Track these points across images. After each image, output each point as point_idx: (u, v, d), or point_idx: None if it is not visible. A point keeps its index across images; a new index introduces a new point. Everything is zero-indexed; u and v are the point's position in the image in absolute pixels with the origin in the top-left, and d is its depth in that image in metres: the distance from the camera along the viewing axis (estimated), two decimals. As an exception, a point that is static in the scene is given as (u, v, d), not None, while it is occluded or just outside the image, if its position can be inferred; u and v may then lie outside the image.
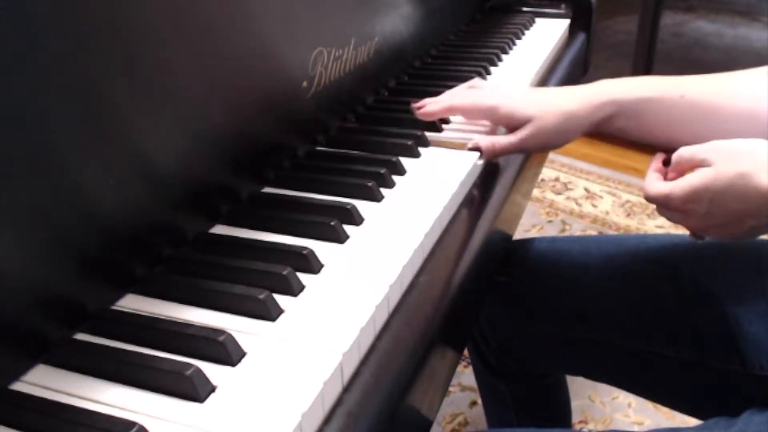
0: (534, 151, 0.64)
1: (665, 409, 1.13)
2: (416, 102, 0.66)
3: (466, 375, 1.22)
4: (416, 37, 0.82)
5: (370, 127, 0.67)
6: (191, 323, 0.39)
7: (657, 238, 0.70)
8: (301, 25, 0.57)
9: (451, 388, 1.19)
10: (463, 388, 1.19)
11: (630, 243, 0.69)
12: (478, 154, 0.61)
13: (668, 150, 0.60)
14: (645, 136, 0.60)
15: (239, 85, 0.51)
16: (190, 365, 0.35)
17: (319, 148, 0.62)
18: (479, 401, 1.14)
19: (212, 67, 0.47)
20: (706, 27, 3.11)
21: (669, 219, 0.54)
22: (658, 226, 1.68)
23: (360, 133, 0.66)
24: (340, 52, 0.63)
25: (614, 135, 0.61)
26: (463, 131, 0.67)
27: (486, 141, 0.61)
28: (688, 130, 0.58)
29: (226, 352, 0.36)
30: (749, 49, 2.81)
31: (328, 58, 0.61)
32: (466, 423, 1.12)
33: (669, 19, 3.05)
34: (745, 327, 0.61)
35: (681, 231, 0.61)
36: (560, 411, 0.86)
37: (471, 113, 0.64)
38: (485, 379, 0.85)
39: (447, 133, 0.67)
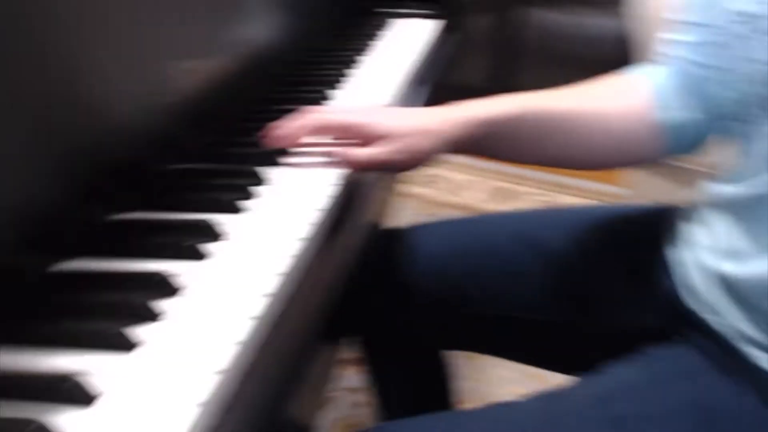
0: (387, 168, 0.60)
1: (542, 377, 1.20)
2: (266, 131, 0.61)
3: (349, 377, 1.22)
4: (283, 44, 0.81)
5: (231, 138, 0.65)
6: (37, 370, 0.36)
7: (516, 213, 0.76)
8: (158, 38, 0.55)
9: (335, 393, 1.19)
10: (347, 391, 1.20)
11: (494, 220, 0.74)
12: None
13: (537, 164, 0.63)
14: (503, 153, 0.62)
15: (90, 103, 0.47)
16: (31, 421, 0.32)
17: (176, 165, 0.60)
18: (365, 401, 1.15)
19: (55, 82, 0.44)
20: (562, 19, 3.31)
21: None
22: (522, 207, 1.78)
23: (220, 145, 0.64)
24: (201, 63, 0.61)
25: (481, 156, 0.62)
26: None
27: (339, 152, 0.58)
28: (546, 144, 0.61)
29: (79, 395, 0.34)
30: (596, 37, 3.03)
31: (189, 71, 0.59)
32: (353, 425, 1.13)
33: (528, 14, 3.22)
34: (598, 286, 0.67)
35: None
36: (447, 391, 0.89)
37: (323, 130, 0.60)
38: (374, 366, 0.87)
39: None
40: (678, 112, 0.60)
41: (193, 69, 0.61)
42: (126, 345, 0.38)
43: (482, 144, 0.59)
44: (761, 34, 0.48)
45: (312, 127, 0.59)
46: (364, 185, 0.63)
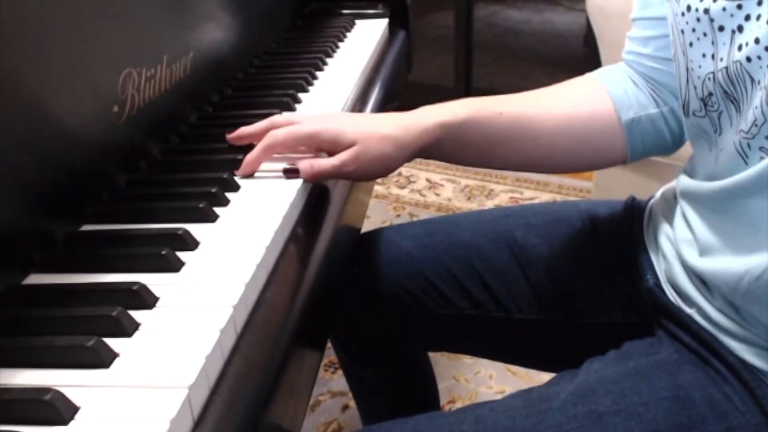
0: (355, 177, 0.59)
1: (523, 375, 1.21)
2: (230, 136, 0.61)
3: (334, 381, 1.22)
4: (235, 47, 0.80)
5: (197, 146, 0.64)
6: (12, 387, 0.36)
7: (490, 212, 0.75)
8: (104, 46, 0.54)
9: (320, 397, 1.19)
10: (333, 395, 1.19)
11: (468, 219, 0.74)
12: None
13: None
14: (470, 157, 0.62)
15: (38, 115, 0.46)
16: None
17: (141, 175, 0.59)
18: (351, 404, 1.15)
19: (4, 96, 0.43)
20: (515, 15, 3.35)
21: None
22: (495, 205, 1.79)
23: (186, 153, 0.63)
24: (153, 71, 0.60)
25: (442, 160, 0.62)
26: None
27: (305, 163, 0.56)
28: (510, 147, 0.61)
29: (55, 412, 0.33)
30: (554, 32, 3.07)
31: (140, 79, 0.58)
32: (340, 429, 1.13)
33: (483, 11, 3.25)
34: (574, 281, 0.67)
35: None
36: (428, 392, 0.89)
37: (291, 145, 0.59)
38: (352, 371, 0.86)
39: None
40: (633, 108, 0.61)
41: (156, 76, 0.61)
42: (103, 360, 0.37)
43: (442, 148, 0.59)
44: (710, 28, 0.48)
45: (279, 143, 0.58)
46: (332, 189, 0.62)
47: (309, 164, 0.56)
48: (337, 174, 0.57)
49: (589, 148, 0.62)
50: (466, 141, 0.60)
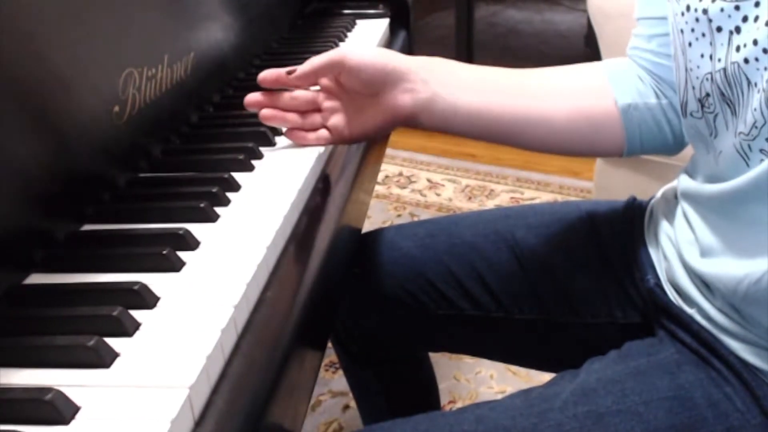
0: (349, 70, 0.60)
1: (524, 375, 1.21)
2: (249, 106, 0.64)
3: (335, 381, 1.22)
4: (237, 47, 0.80)
5: (198, 146, 0.64)
6: (12, 387, 0.36)
7: (491, 212, 0.75)
8: (105, 46, 0.54)
9: (321, 397, 1.19)
10: (334, 395, 1.20)
11: (469, 220, 0.74)
12: (313, 161, 0.60)
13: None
14: (468, 99, 0.60)
15: (39, 115, 0.47)
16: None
17: (142, 175, 0.59)
18: (352, 404, 1.15)
19: (4, 95, 0.43)
20: (516, 15, 3.35)
21: None
22: (496, 205, 1.79)
23: (187, 153, 0.63)
24: (154, 71, 0.60)
25: (446, 117, 0.60)
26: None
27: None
28: (505, 97, 0.61)
29: (56, 411, 0.33)
30: (555, 32, 3.07)
31: (141, 79, 0.58)
32: (341, 428, 1.13)
33: (483, 11, 3.25)
34: (575, 282, 0.67)
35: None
36: (428, 392, 0.89)
37: (301, 78, 0.64)
38: (353, 372, 0.86)
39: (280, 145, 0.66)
40: (631, 95, 0.61)
41: (157, 76, 0.61)
42: (104, 360, 0.37)
43: (446, 81, 0.61)
44: (708, 29, 0.48)
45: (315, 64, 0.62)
46: (333, 188, 0.62)
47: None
48: (329, 58, 0.60)
49: (584, 123, 0.61)
50: (461, 80, 0.62)
